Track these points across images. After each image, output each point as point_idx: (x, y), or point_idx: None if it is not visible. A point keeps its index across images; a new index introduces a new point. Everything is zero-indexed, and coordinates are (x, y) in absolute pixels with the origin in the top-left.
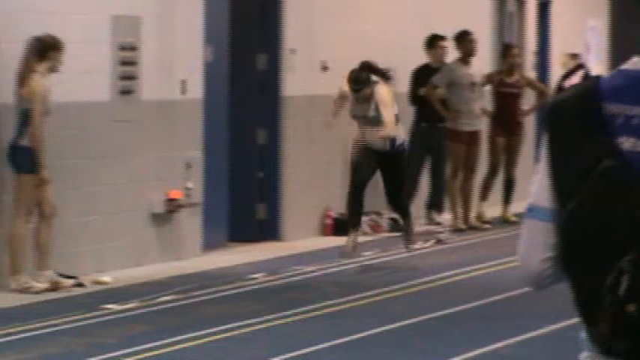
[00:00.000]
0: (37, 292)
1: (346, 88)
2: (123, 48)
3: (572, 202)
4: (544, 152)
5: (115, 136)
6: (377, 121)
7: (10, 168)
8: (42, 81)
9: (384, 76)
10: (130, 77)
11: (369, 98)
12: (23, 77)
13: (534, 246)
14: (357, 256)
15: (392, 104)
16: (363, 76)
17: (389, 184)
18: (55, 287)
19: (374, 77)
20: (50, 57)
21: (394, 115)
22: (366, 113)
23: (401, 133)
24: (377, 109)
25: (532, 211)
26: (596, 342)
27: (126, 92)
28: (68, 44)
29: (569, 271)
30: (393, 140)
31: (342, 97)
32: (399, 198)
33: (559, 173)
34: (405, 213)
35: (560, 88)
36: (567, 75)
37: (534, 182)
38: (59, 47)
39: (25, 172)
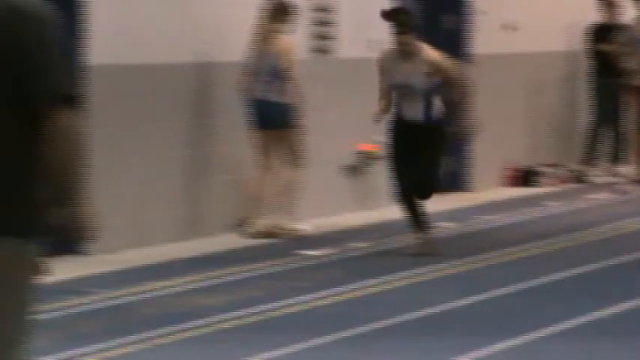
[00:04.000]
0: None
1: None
2: (319, 9)
3: None
4: None
5: (312, 92)
6: (419, 90)
7: (255, 122)
8: (291, 40)
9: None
10: (326, 37)
11: (412, 56)
12: (265, 37)
13: None
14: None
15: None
16: (413, 20)
17: (418, 164)
18: (269, 236)
19: None
20: (288, 19)
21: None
22: (409, 80)
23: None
24: (424, 74)
25: None
26: None
27: (322, 51)
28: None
29: None
30: (427, 110)
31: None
32: (426, 185)
33: None
34: (420, 203)
35: None
36: None
37: None
38: (294, 10)
39: (279, 126)
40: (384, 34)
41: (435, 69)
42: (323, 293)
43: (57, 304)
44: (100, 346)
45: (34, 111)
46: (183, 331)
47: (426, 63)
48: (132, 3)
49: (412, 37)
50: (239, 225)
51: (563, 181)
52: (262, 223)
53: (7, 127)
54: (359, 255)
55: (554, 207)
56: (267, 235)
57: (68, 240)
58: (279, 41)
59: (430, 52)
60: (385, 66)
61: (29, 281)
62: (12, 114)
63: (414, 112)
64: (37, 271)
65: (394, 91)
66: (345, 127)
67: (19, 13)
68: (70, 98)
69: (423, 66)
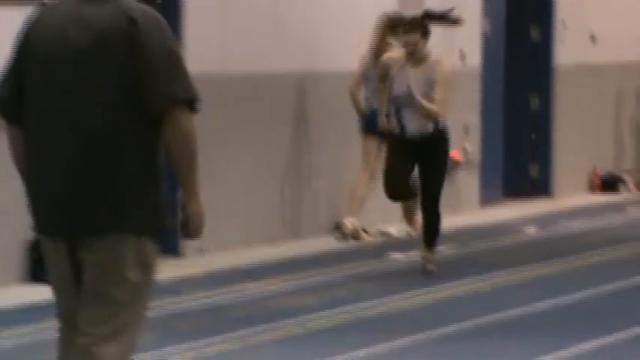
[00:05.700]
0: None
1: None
2: None
3: None
4: None
5: None
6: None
7: (367, 129)
8: (402, 52)
9: (450, 19)
10: None
11: (419, 61)
12: (379, 50)
13: None
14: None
15: (452, 88)
16: (419, 21)
17: (423, 176)
18: (355, 237)
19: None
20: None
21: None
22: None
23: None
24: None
25: None
26: None
27: None
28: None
29: None
30: (435, 122)
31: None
32: (429, 198)
33: None
34: (430, 221)
35: None
36: None
37: None
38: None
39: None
40: (468, 44)
41: (440, 81)
42: (411, 294)
43: (156, 303)
44: (195, 344)
45: (157, 115)
46: (274, 330)
47: (433, 71)
48: (231, 15)
49: (418, 37)
50: (336, 228)
51: None
52: (355, 224)
53: (129, 131)
54: (445, 258)
55: (636, 212)
56: (357, 236)
57: (185, 236)
58: (393, 54)
59: (442, 64)
60: (391, 72)
61: (146, 277)
62: (134, 119)
63: (420, 124)
64: (153, 268)
65: (398, 101)
66: None
67: (137, 21)
68: (189, 102)
69: (429, 72)
